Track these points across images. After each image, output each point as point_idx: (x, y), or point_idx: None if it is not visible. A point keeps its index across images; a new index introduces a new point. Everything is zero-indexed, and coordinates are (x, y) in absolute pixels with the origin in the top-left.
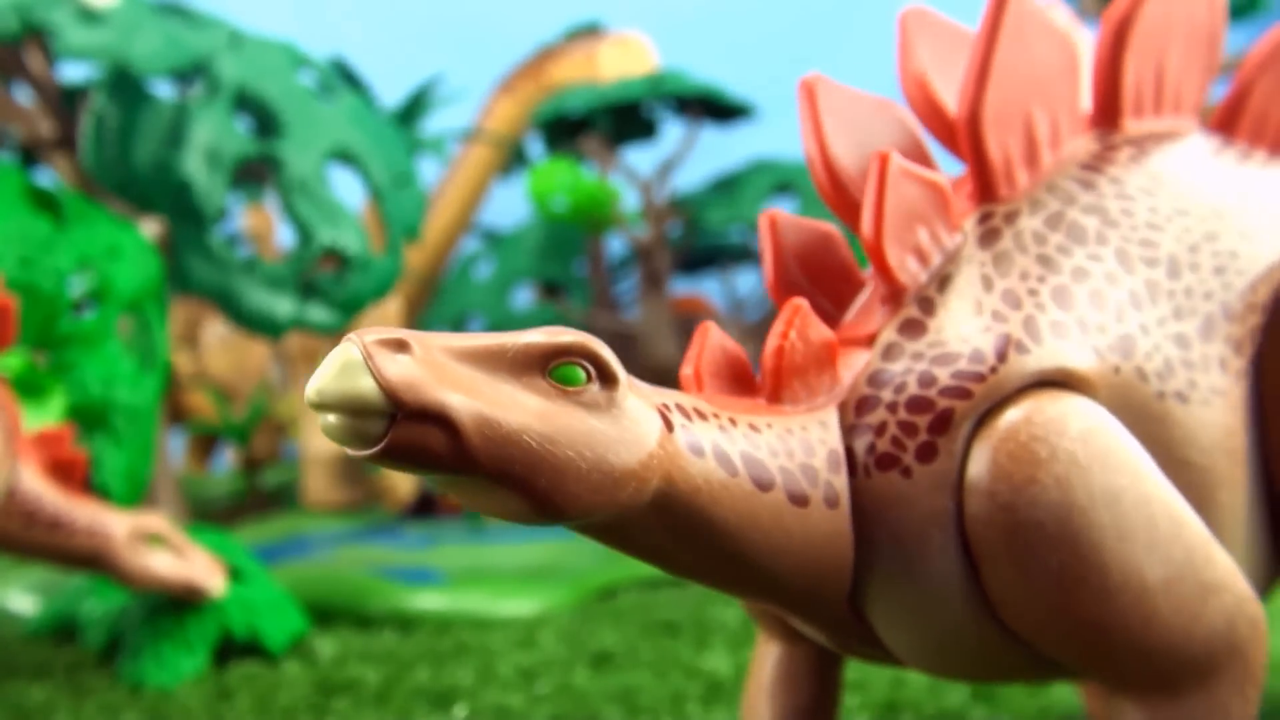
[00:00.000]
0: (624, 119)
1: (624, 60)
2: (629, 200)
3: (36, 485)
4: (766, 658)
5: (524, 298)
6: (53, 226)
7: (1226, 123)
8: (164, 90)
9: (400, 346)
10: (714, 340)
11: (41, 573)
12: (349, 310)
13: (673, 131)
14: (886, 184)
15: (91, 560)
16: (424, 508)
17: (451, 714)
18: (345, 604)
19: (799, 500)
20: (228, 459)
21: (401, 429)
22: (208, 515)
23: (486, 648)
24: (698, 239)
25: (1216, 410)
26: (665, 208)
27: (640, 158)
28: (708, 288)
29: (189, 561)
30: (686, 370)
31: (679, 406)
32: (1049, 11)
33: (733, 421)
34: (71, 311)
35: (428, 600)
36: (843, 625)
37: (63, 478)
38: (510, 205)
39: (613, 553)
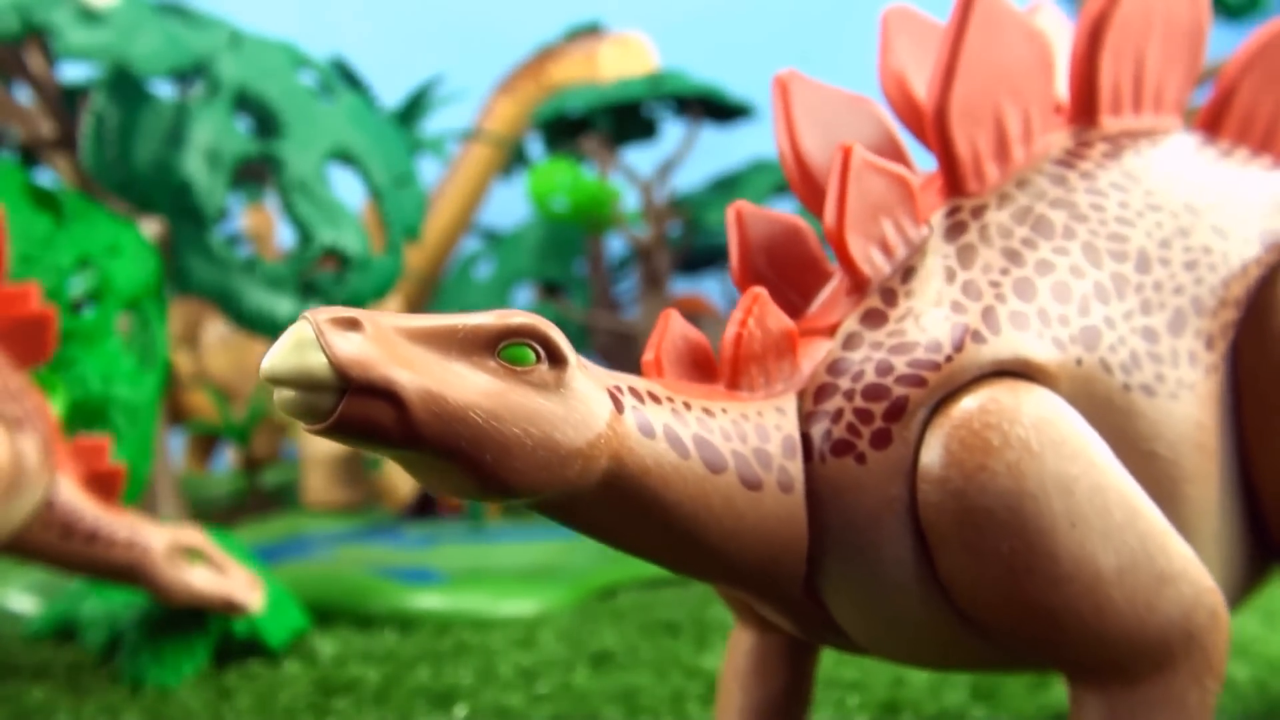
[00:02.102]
0: (624, 119)
1: (624, 60)
2: (629, 200)
3: (75, 497)
4: (740, 645)
5: (524, 298)
6: (53, 224)
7: (1212, 122)
8: (164, 90)
9: (352, 325)
10: (675, 328)
11: (41, 573)
12: None
13: (673, 131)
14: (849, 176)
15: (129, 574)
16: (424, 508)
17: (451, 714)
18: (345, 604)
19: (751, 484)
20: (228, 459)
21: (351, 404)
22: (208, 515)
23: (486, 648)
24: (698, 239)
25: (1185, 404)
26: (665, 208)
27: (640, 158)
28: (708, 288)
29: (228, 577)
30: (648, 356)
31: (632, 389)
32: (1023, 9)
33: (687, 405)
34: (71, 308)
35: (428, 600)
36: (802, 610)
37: (101, 490)
38: (510, 205)
39: (613, 553)
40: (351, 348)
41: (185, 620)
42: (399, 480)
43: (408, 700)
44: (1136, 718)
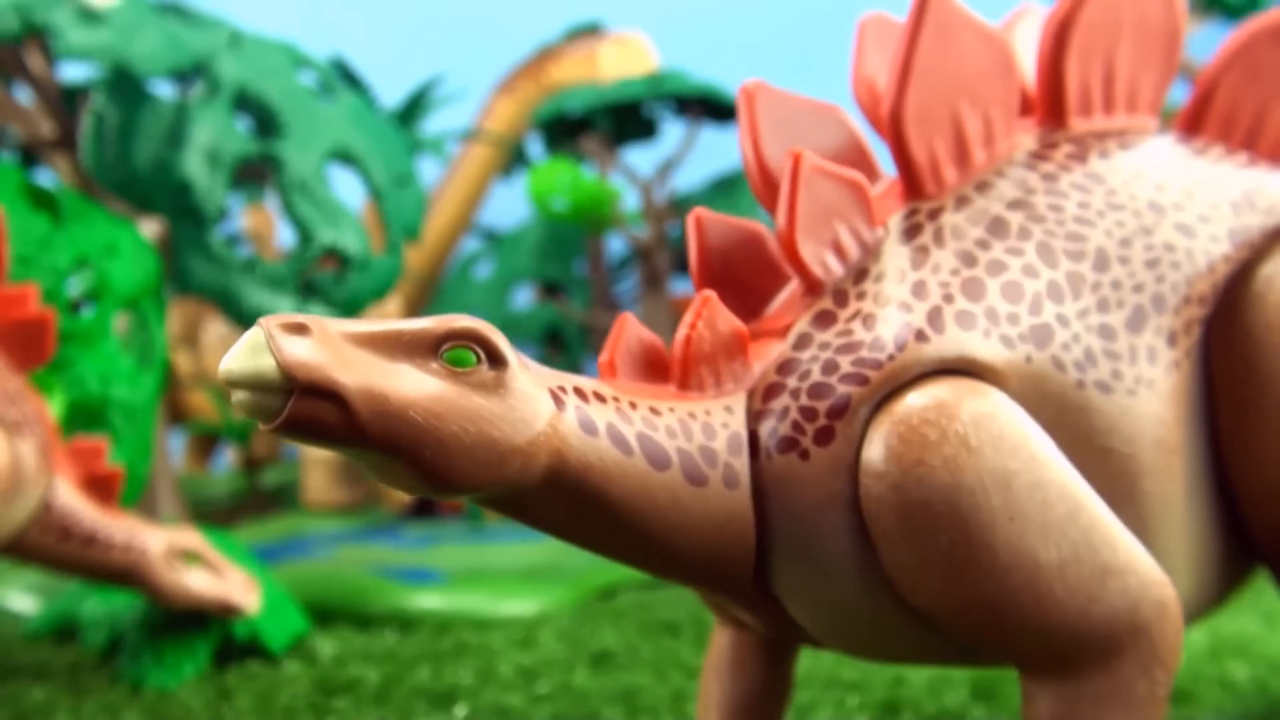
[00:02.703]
0: (624, 119)
1: (624, 60)
2: (629, 200)
3: (72, 499)
4: (719, 641)
5: (524, 298)
6: (50, 224)
7: (1193, 122)
8: (164, 90)
9: (300, 330)
10: (630, 330)
11: (41, 573)
12: (349, 310)
13: (673, 131)
14: (799, 181)
15: (126, 576)
16: (424, 508)
17: (451, 714)
18: (345, 604)
19: (696, 480)
20: (228, 459)
21: (298, 404)
22: (208, 515)
23: (486, 648)
24: None
25: (1143, 400)
26: (665, 208)
27: (640, 158)
28: None
29: (225, 579)
30: (603, 358)
31: (576, 389)
32: (1010, 13)
33: (633, 405)
34: (69, 309)
35: (428, 600)
36: (759, 606)
37: (99, 493)
38: (510, 205)
39: None
40: (298, 351)
41: (186, 621)
42: None
43: (408, 700)
44: (1084, 710)
